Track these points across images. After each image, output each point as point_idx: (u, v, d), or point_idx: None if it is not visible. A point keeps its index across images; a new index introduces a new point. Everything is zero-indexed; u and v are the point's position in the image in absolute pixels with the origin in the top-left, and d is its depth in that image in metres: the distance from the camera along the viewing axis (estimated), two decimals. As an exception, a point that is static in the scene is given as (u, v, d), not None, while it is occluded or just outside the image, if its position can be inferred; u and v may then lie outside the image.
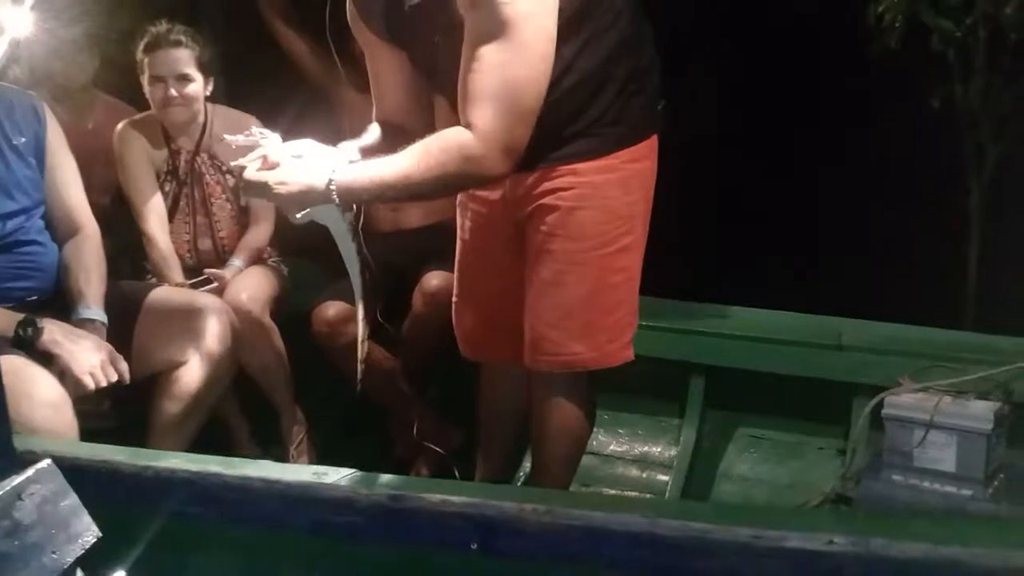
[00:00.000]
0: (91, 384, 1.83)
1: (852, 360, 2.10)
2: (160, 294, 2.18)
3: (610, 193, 1.68)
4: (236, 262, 2.49)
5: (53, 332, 1.85)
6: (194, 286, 2.40)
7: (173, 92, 2.40)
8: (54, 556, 1.14)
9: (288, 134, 1.58)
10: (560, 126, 1.62)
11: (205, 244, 2.54)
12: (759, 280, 2.79)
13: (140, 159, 2.48)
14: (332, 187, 1.50)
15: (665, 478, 2.28)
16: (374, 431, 2.45)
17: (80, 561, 1.17)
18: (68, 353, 1.83)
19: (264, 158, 1.53)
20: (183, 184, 2.51)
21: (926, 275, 2.93)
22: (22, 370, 1.76)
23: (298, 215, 1.55)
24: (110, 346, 1.91)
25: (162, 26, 2.42)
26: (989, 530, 1.27)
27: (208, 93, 2.49)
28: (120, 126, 2.51)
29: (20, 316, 1.86)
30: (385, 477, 1.43)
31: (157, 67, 2.41)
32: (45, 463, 1.19)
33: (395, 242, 2.44)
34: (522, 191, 1.71)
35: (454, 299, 1.93)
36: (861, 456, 1.96)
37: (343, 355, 2.28)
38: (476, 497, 1.28)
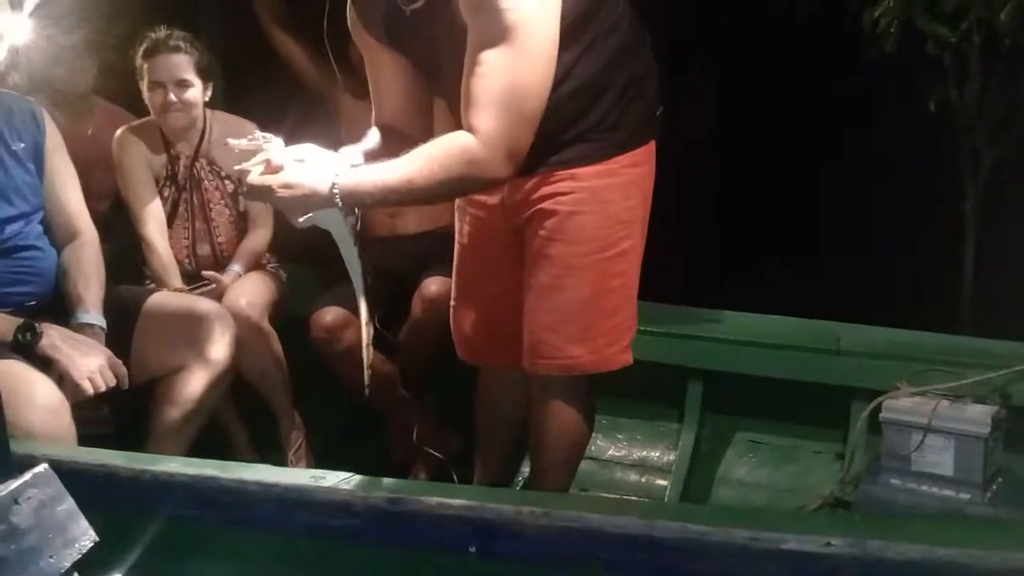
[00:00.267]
0: (90, 389, 1.83)
1: (850, 364, 2.11)
2: (159, 299, 2.18)
3: (609, 198, 1.68)
4: (235, 267, 2.49)
5: (52, 337, 1.85)
6: (193, 291, 2.40)
7: (172, 97, 2.41)
8: (51, 560, 1.13)
9: (287, 140, 1.59)
10: (560, 131, 1.62)
11: (204, 250, 2.54)
12: (757, 283, 2.79)
13: (139, 164, 2.49)
14: (335, 191, 1.50)
15: (664, 483, 2.28)
16: (372, 436, 2.45)
17: (77, 566, 1.16)
18: (67, 358, 1.83)
19: (267, 162, 1.53)
20: (182, 189, 2.51)
21: (923, 279, 2.94)
22: (20, 374, 1.76)
23: (300, 219, 1.55)
24: (109, 351, 1.91)
25: (161, 32, 2.43)
26: (986, 532, 1.27)
27: (207, 99, 2.49)
28: (119, 132, 2.51)
29: (19, 321, 1.86)
30: (383, 480, 1.43)
31: (156, 72, 2.41)
32: (42, 467, 1.19)
33: (394, 247, 2.45)
34: (521, 195, 1.71)
35: (452, 303, 1.93)
36: (859, 460, 1.96)
37: (341, 360, 2.28)
38: (474, 500, 1.28)
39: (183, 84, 2.42)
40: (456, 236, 1.89)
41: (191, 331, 2.08)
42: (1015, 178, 2.93)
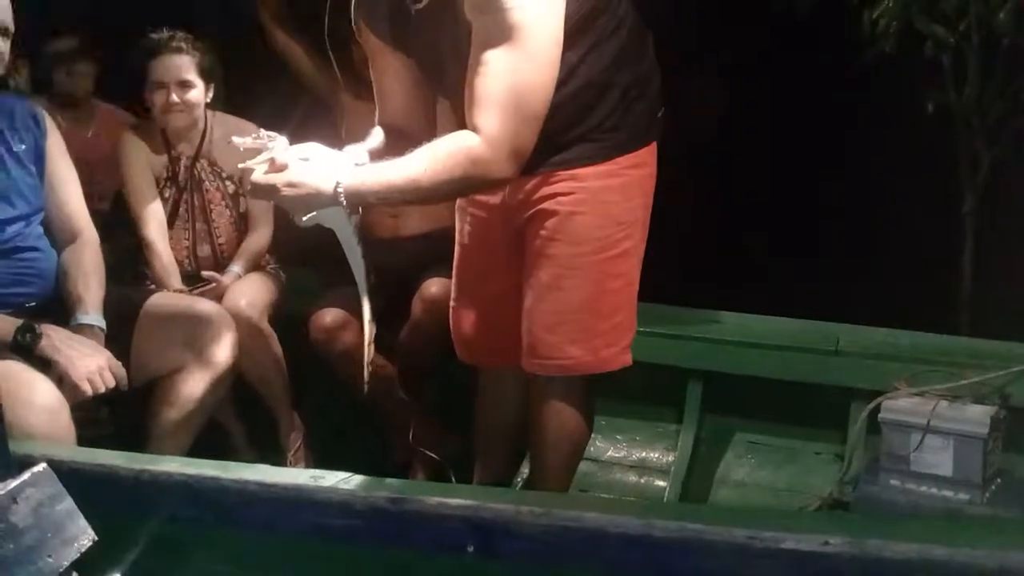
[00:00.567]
0: (89, 390, 1.82)
1: (849, 365, 2.11)
2: (159, 300, 2.18)
3: (610, 198, 1.68)
4: (235, 268, 2.49)
5: (52, 338, 1.85)
6: (193, 292, 2.40)
7: (174, 98, 2.41)
8: (49, 560, 1.13)
9: (290, 140, 1.59)
10: (561, 131, 1.63)
11: (204, 250, 2.55)
12: (756, 284, 2.80)
13: (140, 165, 2.49)
14: (340, 190, 1.50)
15: (663, 483, 2.28)
16: (371, 437, 2.45)
17: (76, 565, 1.17)
18: (66, 359, 1.83)
19: (272, 161, 1.53)
20: (183, 190, 2.52)
21: (922, 279, 2.94)
22: (20, 375, 1.76)
23: (304, 218, 1.55)
24: (109, 352, 1.91)
25: (163, 33, 2.43)
26: (984, 532, 1.27)
27: (208, 100, 2.50)
28: (123, 132, 2.52)
29: (19, 322, 1.86)
30: (383, 480, 1.42)
31: (159, 73, 2.42)
32: (41, 466, 1.19)
33: (394, 248, 2.45)
34: (522, 195, 1.71)
35: (452, 303, 1.93)
36: (858, 461, 1.97)
37: (341, 361, 2.28)
38: (473, 499, 1.28)
39: (185, 85, 2.43)
40: (456, 236, 1.90)
41: (191, 332, 2.08)
42: (1013, 179, 2.93)
